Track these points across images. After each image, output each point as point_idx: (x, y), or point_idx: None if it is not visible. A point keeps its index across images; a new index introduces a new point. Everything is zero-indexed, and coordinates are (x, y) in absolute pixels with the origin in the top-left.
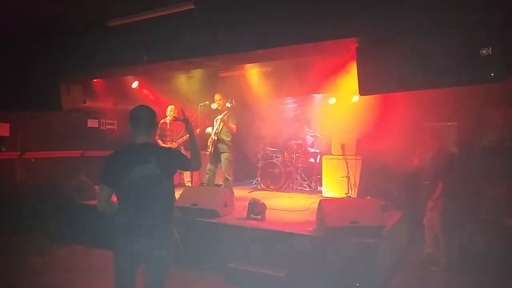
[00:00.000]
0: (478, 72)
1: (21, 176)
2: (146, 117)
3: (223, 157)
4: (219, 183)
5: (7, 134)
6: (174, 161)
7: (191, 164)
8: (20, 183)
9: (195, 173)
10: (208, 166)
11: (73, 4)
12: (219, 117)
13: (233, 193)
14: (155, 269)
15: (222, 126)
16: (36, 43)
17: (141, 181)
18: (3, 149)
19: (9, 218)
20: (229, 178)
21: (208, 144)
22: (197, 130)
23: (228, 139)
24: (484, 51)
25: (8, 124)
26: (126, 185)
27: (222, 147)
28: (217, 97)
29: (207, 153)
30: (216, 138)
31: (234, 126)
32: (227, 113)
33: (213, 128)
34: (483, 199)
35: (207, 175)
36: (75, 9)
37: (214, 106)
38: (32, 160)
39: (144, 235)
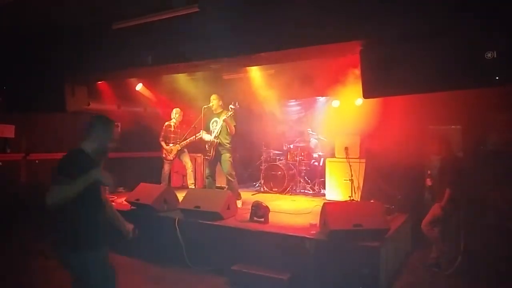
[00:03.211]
0: (482, 76)
1: (26, 177)
2: None
3: (224, 158)
4: (222, 185)
5: (12, 135)
6: None
7: None
8: (24, 184)
9: (198, 175)
10: (207, 171)
11: (79, 6)
12: (216, 119)
13: (239, 195)
14: None
15: (221, 129)
16: (41, 45)
17: None
18: (8, 151)
19: (13, 219)
20: (232, 180)
21: (208, 148)
22: (198, 135)
23: (228, 141)
24: (489, 55)
25: (13, 126)
26: None
27: (222, 149)
28: (213, 97)
29: (208, 157)
30: (217, 141)
31: (233, 128)
32: (228, 114)
33: (211, 131)
34: (488, 203)
35: (207, 180)
36: (80, 11)
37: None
38: (37, 161)
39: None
